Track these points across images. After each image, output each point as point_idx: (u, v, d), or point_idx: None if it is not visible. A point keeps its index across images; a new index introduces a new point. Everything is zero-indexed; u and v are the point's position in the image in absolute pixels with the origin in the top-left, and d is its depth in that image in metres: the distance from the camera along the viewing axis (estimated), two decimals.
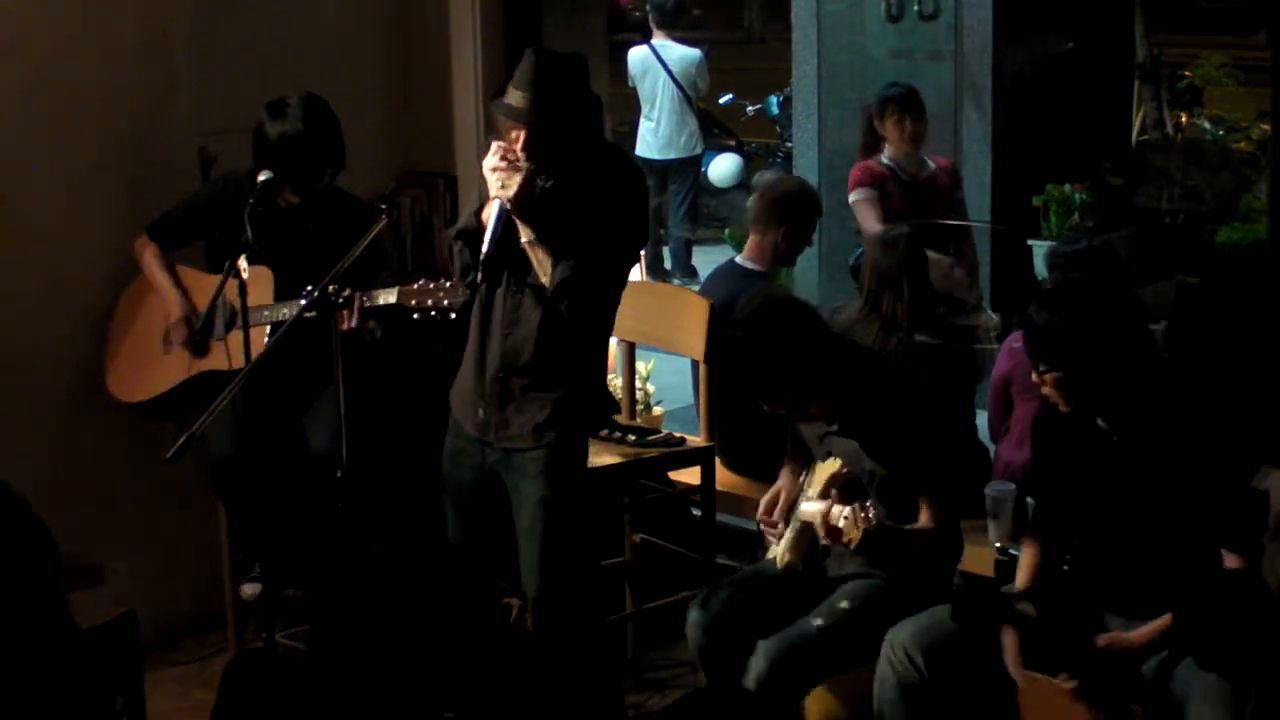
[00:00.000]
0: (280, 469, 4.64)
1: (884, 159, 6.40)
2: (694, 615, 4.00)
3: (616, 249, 3.82)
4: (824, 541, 3.69)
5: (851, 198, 6.34)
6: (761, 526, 4.02)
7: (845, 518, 3.58)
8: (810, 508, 3.75)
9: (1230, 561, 3.44)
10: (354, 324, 4.19)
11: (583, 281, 3.71)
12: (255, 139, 4.57)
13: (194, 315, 4.62)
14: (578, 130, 3.80)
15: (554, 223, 3.74)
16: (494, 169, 3.73)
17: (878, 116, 6.45)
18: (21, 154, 4.67)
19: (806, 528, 3.80)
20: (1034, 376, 3.54)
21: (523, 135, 3.72)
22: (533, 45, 4.11)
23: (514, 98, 3.74)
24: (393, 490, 4.93)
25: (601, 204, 3.80)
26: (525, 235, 3.74)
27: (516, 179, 3.69)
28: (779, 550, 3.90)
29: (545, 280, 3.74)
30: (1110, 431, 3.53)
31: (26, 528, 3.01)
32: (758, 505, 4.08)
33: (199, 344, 4.61)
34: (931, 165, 6.50)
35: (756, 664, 3.78)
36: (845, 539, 3.59)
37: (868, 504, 3.61)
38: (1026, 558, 3.75)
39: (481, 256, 3.75)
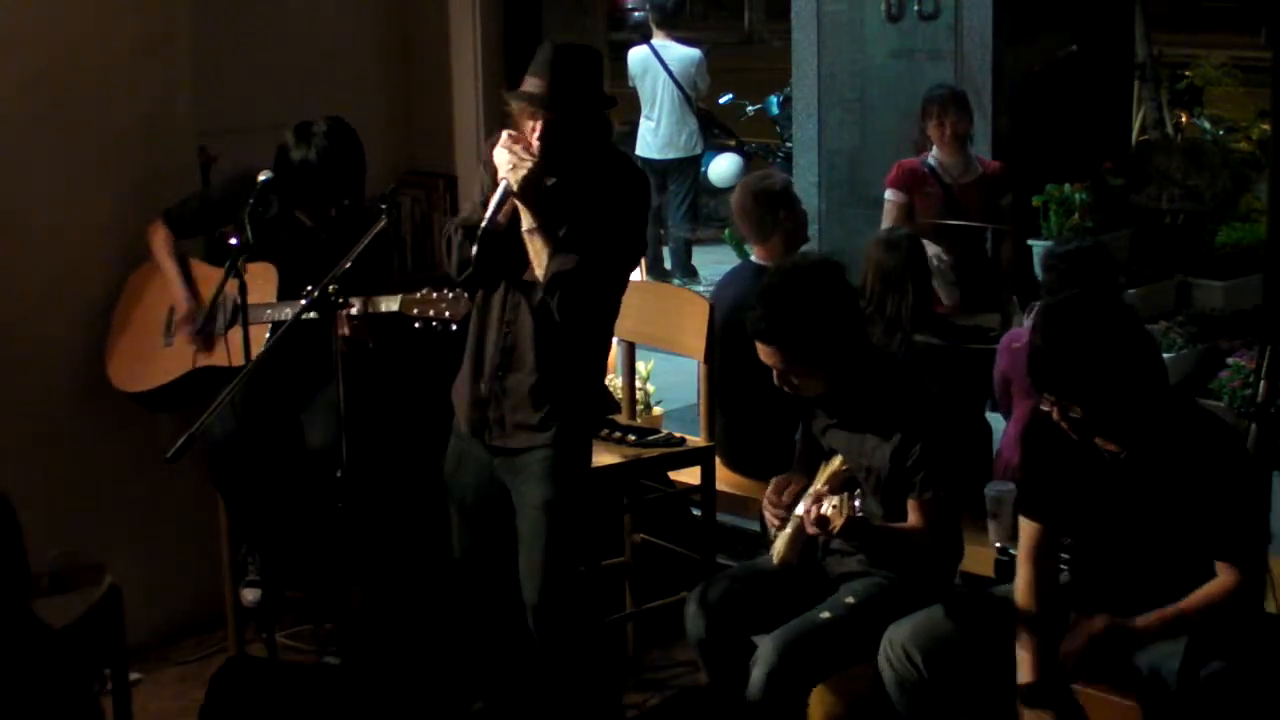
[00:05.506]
0: (278, 460, 4.64)
1: (929, 159, 6.45)
2: (693, 608, 3.99)
3: (613, 251, 3.81)
4: (810, 530, 3.70)
5: (886, 194, 6.50)
6: (768, 506, 3.96)
7: (833, 506, 3.65)
8: (806, 503, 3.77)
9: (1227, 576, 3.42)
10: (346, 331, 4.17)
11: (575, 278, 3.70)
12: (277, 153, 4.57)
13: (199, 310, 4.61)
14: (591, 122, 3.79)
15: (555, 215, 3.74)
16: (506, 149, 3.72)
17: (921, 118, 6.50)
18: (21, 154, 4.67)
19: (802, 524, 3.81)
20: (1043, 407, 3.49)
21: (540, 123, 3.71)
22: (535, 45, 4.09)
23: (531, 84, 3.72)
24: (393, 491, 4.93)
25: (603, 205, 3.79)
26: (526, 223, 3.74)
27: (528, 163, 3.69)
28: (776, 545, 3.90)
29: (540, 273, 3.73)
30: (1114, 450, 3.50)
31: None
32: (759, 505, 4.06)
33: (205, 338, 4.60)
34: (979, 168, 6.53)
35: (765, 655, 3.76)
36: (830, 526, 3.64)
37: (855, 493, 3.70)
38: (1024, 573, 3.67)
39: (480, 230, 3.74)
